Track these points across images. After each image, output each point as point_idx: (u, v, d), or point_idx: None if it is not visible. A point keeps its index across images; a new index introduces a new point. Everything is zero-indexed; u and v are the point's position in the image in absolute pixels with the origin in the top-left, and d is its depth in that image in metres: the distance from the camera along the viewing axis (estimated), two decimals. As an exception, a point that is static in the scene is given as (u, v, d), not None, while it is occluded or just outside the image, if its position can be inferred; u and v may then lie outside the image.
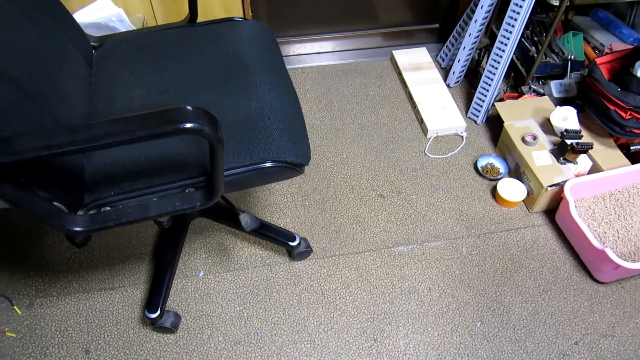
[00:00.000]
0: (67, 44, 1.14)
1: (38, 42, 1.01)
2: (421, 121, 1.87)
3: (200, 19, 1.34)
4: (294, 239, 1.40)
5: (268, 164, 0.98)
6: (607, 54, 1.76)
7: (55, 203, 0.90)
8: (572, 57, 1.84)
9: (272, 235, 1.40)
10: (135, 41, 1.30)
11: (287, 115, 1.08)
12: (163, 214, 0.95)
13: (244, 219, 1.19)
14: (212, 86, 1.14)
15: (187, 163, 0.99)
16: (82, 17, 1.67)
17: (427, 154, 1.78)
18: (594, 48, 1.97)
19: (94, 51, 1.29)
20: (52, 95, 0.98)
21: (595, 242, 1.38)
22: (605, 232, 1.48)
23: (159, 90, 1.15)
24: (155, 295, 1.29)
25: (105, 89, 1.18)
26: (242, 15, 1.94)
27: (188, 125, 0.75)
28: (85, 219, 0.94)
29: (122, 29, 1.69)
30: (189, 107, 0.77)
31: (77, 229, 0.92)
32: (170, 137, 0.76)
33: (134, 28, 1.73)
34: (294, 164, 1.01)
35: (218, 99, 1.11)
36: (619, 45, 1.87)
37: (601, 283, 1.45)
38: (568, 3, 1.59)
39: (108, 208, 0.96)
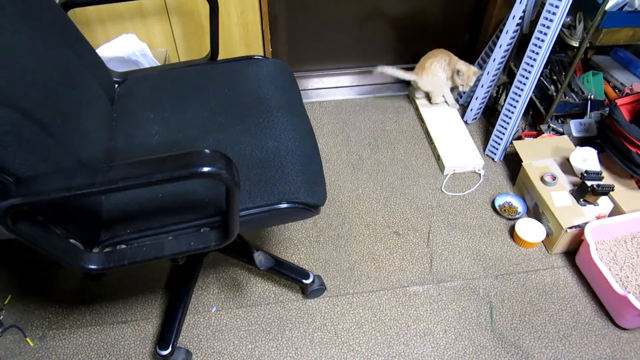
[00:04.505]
0: (90, 81, 1.17)
1: (62, 80, 1.04)
2: (438, 158, 1.86)
3: (222, 54, 1.37)
4: (307, 277, 1.38)
5: (284, 205, 0.98)
6: (627, 94, 1.74)
7: (72, 240, 0.91)
8: (592, 96, 1.83)
9: (286, 273, 1.39)
10: (156, 78, 1.33)
11: (304, 155, 1.08)
12: (178, 254, 0.95)
13: (258, 257, 1.18)
14: (230, 124, 1.15)
15: (202, 202, 0.99)
16: (106, 51, 1.71)
17: (444, 191, 1.77)
18: (614, 87, 1.95)
19: (116, 86, 1.32)
20: (73, 133, 1.00)
21: (618, 288, 1.34)
22: (628, 277, 1.44)
23: (178, 127, 1.17)
24: (167, 332, 1.28)
25: (126, 124, 1.20)
26: (262, 50, 1.97)
27: (205, 169, 0.75)
28: (100, 256, 0.94)
29: (145, 63, 1.73)
30: (206, 151, 0.78)
31: (93, 266, 0.93)
32: (188, 180, 0.77)
33: (157, 62, 1.77)
34: (309, 205, 1.01)
35: (236, 138, 1.12)
36: (640, 86, 1.85)
37: (624, 329, 1.40)
38: (588, 44, 1.59)
39: (124, 246, 0.96)
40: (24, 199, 0.74)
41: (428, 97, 2.07)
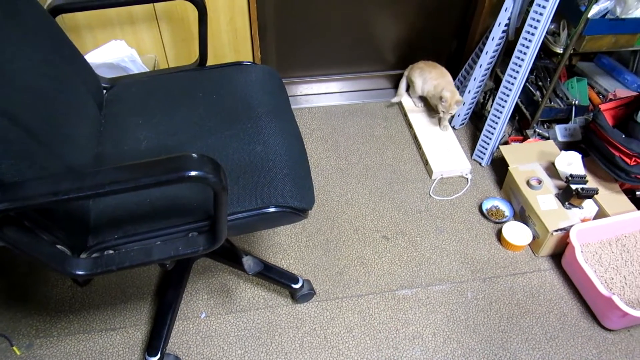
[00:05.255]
0: (78, 86, 1.17)
1: (50, 85, 1.04)
2: (426, 162, 1.88)
3: (211, 60, 1.38)
4: (297, 282, 1.39)
5: (271, 209, 0.99)
6: (611, 100, 1.78)
7: (59, 246, 0.91)
8: (577, 102, 1.86)
9: (275, 277, 1.39)
10: (145, 83, 1.33)
11: (292, 159, 1.09)
12: (166, 259, 0.95)
13: (247, 262, 1.18)
14: (218, 129, 1.16)
15: (190, 207, 0.99)
16: (95, 57, 1.71)
17: (432, 195, 1.78)
18: (598, 93, 1.99)
19: (105, 92, 1.32)
20: (61, 138, 1.00)
21: (602, 289, 1.36)
22: (612, 278, 1.46)
23: (166, 132, 1.17)
24: (156, 338, 1.28)
25: (114, 130, 1.20)
26: (251, 56, 1.98)
27: (193, 173, 0.76)
28: (88, 262, 0.94)
29: (134, 69, 1.73)
30: (194, 155, 0.78)
31: (80, 272, 0.92)
32: (176, 184, 0.77)
33: (146, 68, 1.77)
34: (297, 209, 1.01)
35: (224, 143, 1.12)
36: (623, 92, 1.88)
37: (609, 330, 1.42)
38: (572, 51, 1.62)
39: (111, 251, 0.96)
40: (10, 204, 0.74)
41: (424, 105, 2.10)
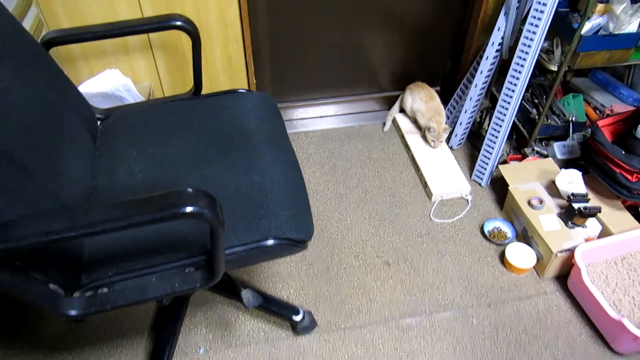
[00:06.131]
0: (72, 119, 1.15)
1: (43, 119, 1.02)
2: (425, 184, 1.86)
3: (206, 86, 1.36)
4: (297, 313, 1.35)
5: (270, 242, 0.96)
6: (608, 115, 1.77)
7: (51, 285, 0.88)
8: (574, 118, 1.85)
9: (275, 310, 1.36)
10: (140, 114, 1.32)
11: (290, 189, 1.07)
12: (162, 296, 0.92)
13: (245, 295, 1.15)
14: (214, 159, 1.14)
15: (186, 241, 0.97)
16: (90, 87, 1.70)
17: (433, 218, 1.76)
18: (595, 109, 1.98)
19: (99, 123, 1.30)
20: (54, 173, 0.98)
21: (612, 312, 1.33)
22: (621, 300, 1.43)
23: (161, 164, 1.15)
24: (153, 376, 1.23)
25: (108, 162, 1.18)
26: (246, 82, 1.97)
27: (188, 209, 0.73)
28: (81, 301, 0.91)
29: (130, 98, 1.72)
30: (189, 190, 0.76)
31: (73, 312, 0.90)
32: (171, 221, 0.75)
33: (141, 97, 1.76)
34: (296, 241, 0.99)
35: (220, 173, 1.10)
36: (620, 107, 1.88)
37: (620, 354, 1.38)
38: (566, 68, 1.61)
39: (105, 289, 0.93)
40: (1, 245, 0.71)
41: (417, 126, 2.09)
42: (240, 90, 1.36)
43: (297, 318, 1.34)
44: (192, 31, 1.23)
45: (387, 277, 1.56)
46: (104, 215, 0.73)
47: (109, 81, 1.73)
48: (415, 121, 2.08)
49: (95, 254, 0.96)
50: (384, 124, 2.15)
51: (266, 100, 1.33)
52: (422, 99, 1.99)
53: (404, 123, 2.11)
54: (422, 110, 1.98)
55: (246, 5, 1.73)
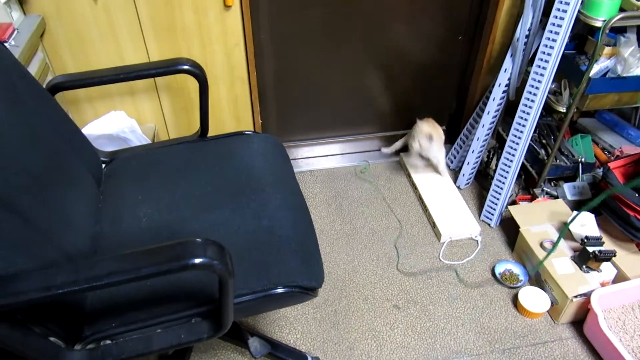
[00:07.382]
0: (76, 163, 1.14)
1: (47, 165, 1.00)
2: (434, 225, 1.83)
3: (211, 127, 1.35)
4: (305, 360, 1.30)
5: (280, 290, 0.93)
6: (618, 157, 1.75)
7: (52, 338, 0.84)
8: (583, 159, 1.83)
9: (283, 357, 1.31)
10: (145, 157, 1.30)
11: (299, 234, 1.04)
12: (168, 348, 0.89)
13: (253, 344, 1.11)
14: (222, 204, 1.12)
15: (193, 290, 0.94)
16: (95, 128, 1.69)
17: (442, 259, 1.72)
18: (603, 149, 1.97)
19: (104, 166, 1.29)
20: (57, 220, 0.95)
21: (632, 360, 1.28)
22: (640, 347, 1.38)
23: (167, 208, 1.12)
24: None
25: (113, 207, 1.15)
26: (252, 122, 1.97)
27: (197, 260, 0.71)
28: (83, 355, 0.87)
29: (135, 140, 1.71)
30: (197, 240, 0.74)
31: (74, 367, 0.85)
32: (179, 273, 0.72)
33: (146, 138, 1.75)
34: (307, 288, 0.96)
35: (228, 218, 1.08)
36: (629, 148, 1.86)
37: (642, 405, 1.32)
38: (575, 110, 1.61)
39: (108, 342, 0.89)
40: (1, 301, 0.68)
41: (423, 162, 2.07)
42: (247, 132, 1.35)
43: (306, 367, 1.30)
44: (200, 75, 1.23)
45: (396, 321, 1.52)
46: (109, 269, 0.70)
47: (114, 123, 1.72)
48: (421, 157, 2.05)
49: (98, 304, 0.93)
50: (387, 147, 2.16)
51: (274, 143, 1.32)
52: (423, 124, 1.97)
53: (410, 163, 2.09)
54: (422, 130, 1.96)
55: (252, 48, 1.74)
